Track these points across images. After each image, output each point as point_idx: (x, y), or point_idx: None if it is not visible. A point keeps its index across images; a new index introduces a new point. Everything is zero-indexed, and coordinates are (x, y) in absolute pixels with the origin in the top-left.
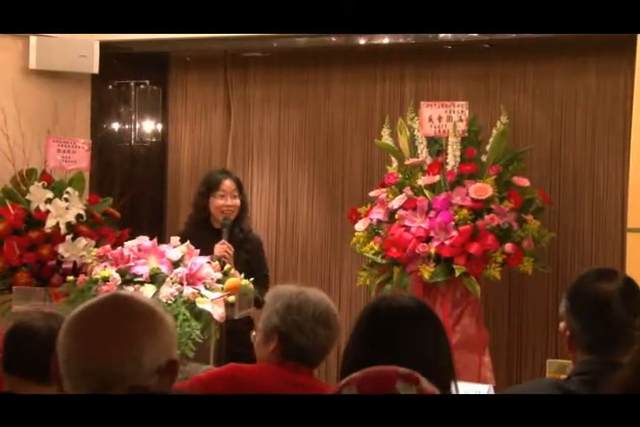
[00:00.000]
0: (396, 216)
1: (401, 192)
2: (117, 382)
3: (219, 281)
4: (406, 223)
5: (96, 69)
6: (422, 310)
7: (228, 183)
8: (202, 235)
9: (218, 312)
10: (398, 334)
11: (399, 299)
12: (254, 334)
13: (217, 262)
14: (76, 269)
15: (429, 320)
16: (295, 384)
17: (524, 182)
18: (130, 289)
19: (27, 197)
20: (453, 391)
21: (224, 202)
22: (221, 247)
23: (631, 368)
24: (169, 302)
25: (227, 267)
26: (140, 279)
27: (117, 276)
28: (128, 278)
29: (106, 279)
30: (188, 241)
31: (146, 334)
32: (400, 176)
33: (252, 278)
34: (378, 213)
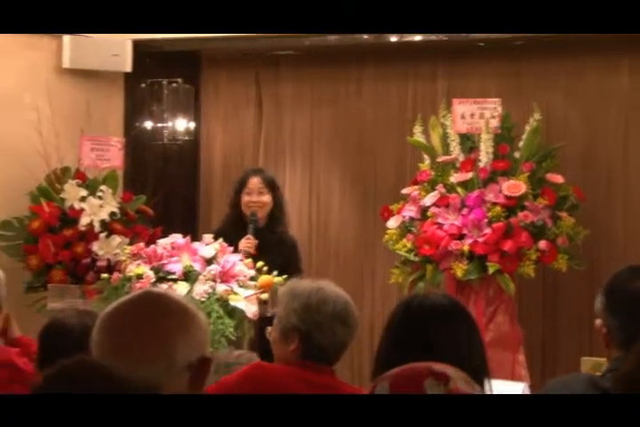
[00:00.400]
0: (429, 213)
1: (433, 189)
2: (150, 378)
3: (252, 279)
4: (439, 220)
5: (129, 68)
6: (455, 308)
7: (254, 180)
8: (235, 232)
9: (251, 310)
10: (431, 332)
11: (432, 297)
12: (269, 330)
13: (249, 260)
14: (110, 267)
15: (462, 318)
16: (318, 385)
17: (558, 179)
18: (163, 287)
19: (61, 195)
20: (487, 390)
21: (250, 198)
22: (245, 242)
23: (632, 362)
24: (202, 299)
25: (259, 264)
26: (173, 277)
27: (151, 273)
28: (161, 276)
29: (139, 277)
30: (221, 238)
31: (178, 331)
32: (432, 173)
33: (285, 276)
34: (410, 211)
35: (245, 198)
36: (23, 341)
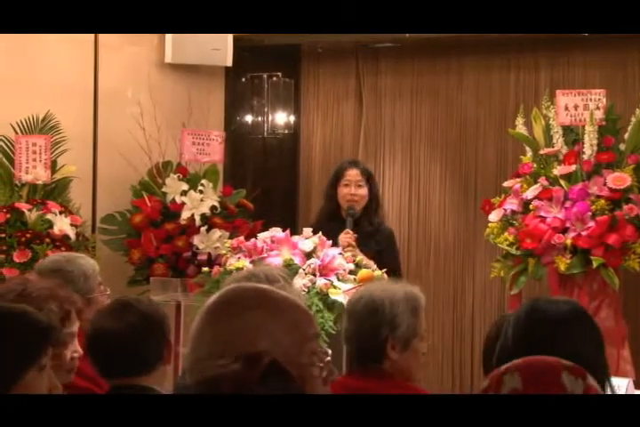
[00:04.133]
0: (531, 207)
1: (536, 182)
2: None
3: (351, 272)
4: (542, 214)
5: (229, 62)
6: (579, 314)
7: (353, 172)
8: (331, 226)
9: None
10: (555, 338)
11: (555, 301)
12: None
13: (349, 254)
14: (211, 261)
15: (587, 324)
16: (361, 390)
17: None
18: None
19: (163, 189)
20: (608, 390)
21: (348, 191)
22: (345, 237)
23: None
24: (302, 292)
25: (358, 258)
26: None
27: (251, 267)
28: None
29: (240, 270)
30: (320, 232)
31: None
32: (535, 166)
33: (384, 269)
34: (512, 204)
35: (343, 191)
36: None
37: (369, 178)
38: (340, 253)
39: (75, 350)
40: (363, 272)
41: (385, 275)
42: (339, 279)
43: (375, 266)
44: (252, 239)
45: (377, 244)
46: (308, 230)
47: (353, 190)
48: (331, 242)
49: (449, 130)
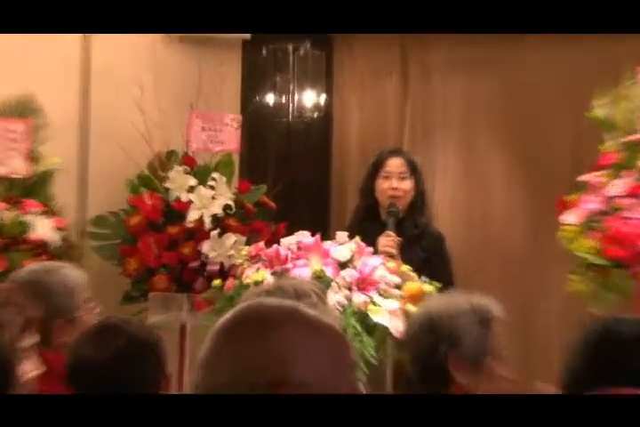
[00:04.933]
0: (616, 206)
1: (619, 176)
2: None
3: (396, 286)
4: (629, 214)
5: (248, 33)
6: None
7: (395, 162)
8: (369, 228)
9: (396, 326)
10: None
11: (629, 320)
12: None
13: (393, 264)
14: (224, 272)
15: None
16: None
17: None
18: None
19: (165, 184)
20: None
21: (389, 184)
22: (384, 240)
23: None
24: (337, 312)
25: (404, 267)
26: None
27: (273, 280)
28: None
29: (259, 284)
30: (357, 237)
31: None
32: (619, 156)
33: (436, 283)
34: (591, 203)
35: (383, 185)
36: None
37: (414, 169)
38: (383, 263)
39: (32, 368)
40: (410, 286)
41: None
42: (380, 295)
43: (419, 278)
44: (275, 246)
45: (423, 250)
46: (342, 235)
47: (395, 184)
48: (371, 249)
49: (511, 112)
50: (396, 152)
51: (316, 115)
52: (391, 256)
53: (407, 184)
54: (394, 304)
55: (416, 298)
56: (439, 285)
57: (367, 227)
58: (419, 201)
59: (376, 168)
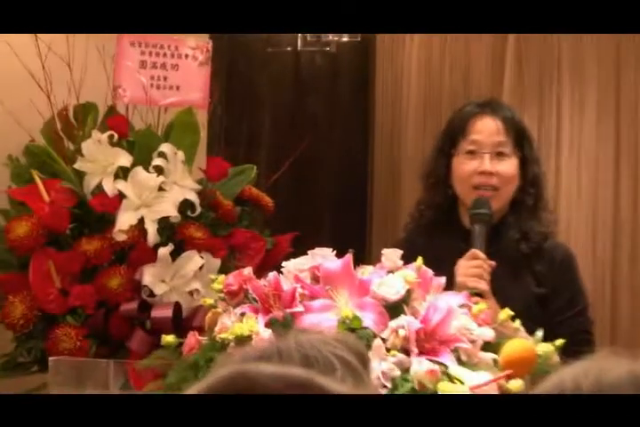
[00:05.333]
0: None
1: None
2: None
3: (488, 346)
4: None
5: None
6: None
7: (487, 125)
8: (439, 243)
9: None
10: None
11: None
12: None
13: (484, 305)
14: (180, 320)
15: None
16: None
17: None
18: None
19: (76, 164)
20: None
21: (477, 165)
22: (468, 265)
23: None
24: (383, 387)
25: (503, 313)
26: None
27: (269, 334)
28: None
29: (245, 341)
30: (420, 258)
31: None
32: None
33: (560, 340)
34: None
35: (465, 166)
36: None
37: (521, 138)
38: (466, 306)
39: None
40: (513, 346)
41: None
42: (460, 361)
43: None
44: (273, 273)
45: (540, 281)
46: (393, 254)
47: (487, 165)
48: (443, 279)
49: None
50: (491, 107)
51: (345, 40)
52: (479, 293)
53: (509, 166)
54: (483, 377)
55: (522, 366)
56: (563, 342)
57: (436, 241)
58: (529, 196)
59: (454, 135)
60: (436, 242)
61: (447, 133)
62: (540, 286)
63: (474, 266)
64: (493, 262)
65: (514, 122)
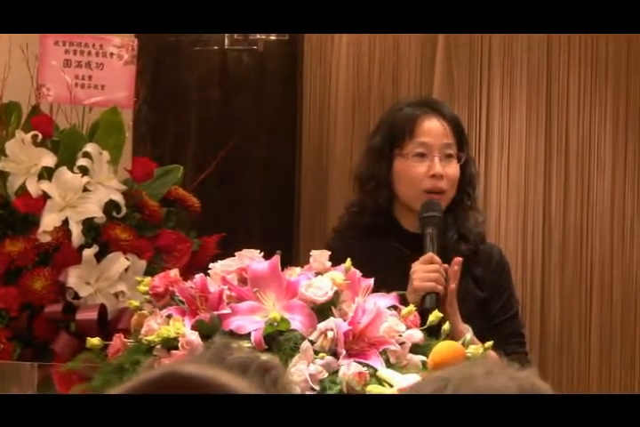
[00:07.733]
0: None
1: None
2: None
3: (417, 348)
4: None
5: None
6: None
7: (432, 126)
8: (377, 246)
9: None
10: None
11: None
12: None
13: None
14: (105, 323)
15: None
16: None
17: None
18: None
19: None
20: None
21: (428, 167)
22: (425, 270)
23: None
24: (311, 390)
25: (432, 316)
26: (245, 342)
27: (196, 336)
28: None
29: (171, 344)
30: (349, 260)
31: None
32: None
33: (489, 342)
34: None
35: (416, 168)
36: None
37: (463, 139)
38: (394, 307)
39: None
40: (443, 347)
41: (492, 352)
42: (388, 364)
43: (471, 334)
44: (199, 275)
45: (479, 284)
46: (321, 255)
47: (437, 167)
48: (372, 281)
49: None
50: (432, 107)
51: (273, 38)
52: (438, 297)
53: (455, 167)
54: (412, 379)
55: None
56: (492, 344)
57: (372, 244)
58: (467, 198)
59: (394, 134)
60: (372, 245)
61: (387, 134)
62: (481, 290)
63: (431, 270)
64: (447, 265)
65: (457, 122)
